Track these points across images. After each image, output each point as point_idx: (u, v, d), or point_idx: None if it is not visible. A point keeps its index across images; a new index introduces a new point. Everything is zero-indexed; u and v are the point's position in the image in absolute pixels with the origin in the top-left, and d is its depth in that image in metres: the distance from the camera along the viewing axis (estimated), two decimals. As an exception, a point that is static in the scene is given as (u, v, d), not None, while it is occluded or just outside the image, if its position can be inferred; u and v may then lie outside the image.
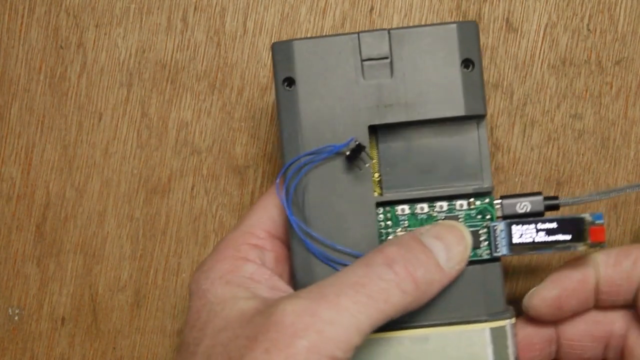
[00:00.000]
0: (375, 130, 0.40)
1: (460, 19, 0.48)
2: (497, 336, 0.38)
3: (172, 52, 0.48)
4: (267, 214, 0.40)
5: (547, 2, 0.48)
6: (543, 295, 0.40)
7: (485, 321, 0.38)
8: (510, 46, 0.48)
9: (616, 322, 0.41)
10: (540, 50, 0.48)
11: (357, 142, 0.38)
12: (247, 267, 0.39)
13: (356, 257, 0.38)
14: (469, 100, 0.39)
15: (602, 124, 0.48)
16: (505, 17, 0.48)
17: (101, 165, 0.48)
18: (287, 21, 0.48)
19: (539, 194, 0.40)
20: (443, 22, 0.42)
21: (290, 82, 0.39)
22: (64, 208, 0.49)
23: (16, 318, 0.49)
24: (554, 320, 0.41)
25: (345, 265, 0.38)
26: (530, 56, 0.48)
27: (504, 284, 0.39)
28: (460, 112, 0.39)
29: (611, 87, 0.48)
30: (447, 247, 0.37)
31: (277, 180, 0.40)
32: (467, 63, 0.39)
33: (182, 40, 0.48)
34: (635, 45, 0.48)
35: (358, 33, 0.39)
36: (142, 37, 0.48)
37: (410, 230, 0.39)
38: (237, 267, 0.39)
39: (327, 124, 0.39)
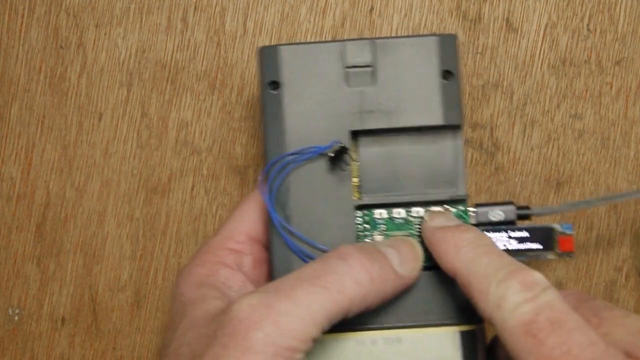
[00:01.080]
0: (356, 136, 0.41)
1: (461, 19, 0.48)
2: (467, 339, 0.39)
3: (172, 52, 0.48)
4: (248, 217, 0.41)
5: (547, 2, 0.48)
6: None
7: (456, 324, 0.39)
8: (510, 46, 0.48)
9: None
10: (540, 50, 0.48)
11: (340, 145, 0.39)
12: (223, 271, 0.40)
13: None
14: (447, 111, 0.40)
15: (602, 124, 0.48)
16: (505, 17, 0.48)
17: (101, 165, 0.48)
18: (287, 21, 0.48)
19: (511, 203, 0.41)
20: (425, 33, 0.43)
21: (275, 85, 0.40)
22: (64, 208, 0.49)
23: (16, 318, 0.49)
24: None
25: None
26: (530, 56, 0.48)
27: None
28: (438, 121, 0.40)
29: (611, 87, 0.48)
30: (400, 255, 0.38)
31: (260, 178, 0.40)
32: (446, 74, 0.40)
33: (182, 40, 0.48)
34: (635, 45, 0.48)
35: (343, 41, 0.40)
36: (142, 37, 0.48)
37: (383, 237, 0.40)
38: (214, 272, 0.39)
39: (310, 128, 0.40)
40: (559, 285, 0.48)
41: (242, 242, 0.41)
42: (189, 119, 0.48)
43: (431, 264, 0.40)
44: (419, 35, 0.41)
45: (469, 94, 0.48)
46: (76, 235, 0.49)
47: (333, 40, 0.41)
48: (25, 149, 0.49)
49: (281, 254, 0.40)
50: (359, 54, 0.40)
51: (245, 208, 0.42)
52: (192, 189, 0.48)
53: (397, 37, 0.41)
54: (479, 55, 0.48)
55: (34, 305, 0.49)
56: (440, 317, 0.39)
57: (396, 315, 0.39)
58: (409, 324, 0.39)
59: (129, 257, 0.49)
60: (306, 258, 0.40)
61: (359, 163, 0.41)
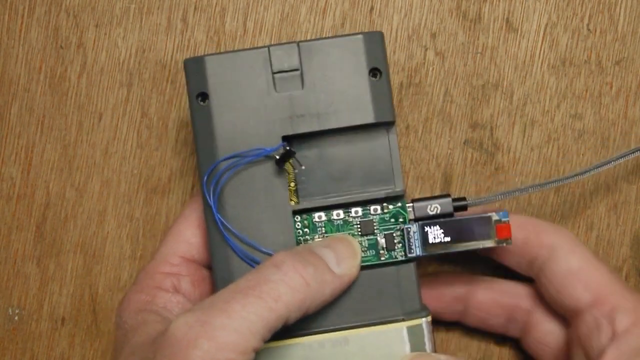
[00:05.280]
0: (289, 141, 0.41)
1: (461, 19, 0.48)
2: (414, 334, 0.40)
3: (172, 52, 0.48)
4: (181, 239, 0.42)
5: (547, 2, 0.48)
6: None
7: (402, 320, 0.40)
8: (510, 46, 0.48)
9: (523, 296, 0.44)
10: (540, 50, 0.48)
11: (287, 147, 0.39)
12: (161, 296, 0.40)
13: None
14: (378, 108, 0.40)
15: (602, 124, 0.48)
16: (505, 17, 0.48)
17: (101, 165, 0.49)
18: (287, 21, 0.48)
19: (447, 195, 0.41)
20: (349, 33, 0.43)
21: (203, 96, 0.40)
22: (64, 208, 0.49)
23: (16, 318, 0.49)
24: None
25: None
26: (530, 56, 0.48)
27: (419, 284, 0.41)
28: (370, 119, 0.40)
29: (611, 87, 0.48)
30: (336, 254, 0.38)
31: (204, 180, 0.40)
32: (374, 72, 0.40)
33: (182, 40, 0.48)
34: (635, 45, 0.48)
35: (268, 47, 0.40)
36: (142, 37, 0.48)
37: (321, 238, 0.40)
38: (152, 297, 0.40)
39: (241, 136, 0.40)
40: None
41: (177, 264, 0.41)
42: (189, 119, 0.48)
43: (372, 262, 0.40)
44: (344, 35, 0.41)
45: (469, 94, 0.48)
46: (76, 235, 0.49)
47: (259, 47, 0.40)
48: (25, 149, 0.49)
49: (223, 259, 0.40)
50: (285, 59, 0.40)
51: (177, 229, 0.42)
52: (192, 189, 0.48)
53: (322, 38, 0.41)
54: (479, 55, 0.48)
55: (34, 305, 0.49)
56: (386, 314, 0.40)
57: (341, 316, 0.40)
58: (355, 323, 0.39)
59: (129, 257, 0.49)
60: (250, 262, 0.40)
61: (294, 168, 0.41)
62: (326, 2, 0.48)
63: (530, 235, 0.42)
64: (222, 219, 0.40)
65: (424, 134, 0.48)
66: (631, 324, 0.39)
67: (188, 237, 0.42)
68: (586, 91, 0.48)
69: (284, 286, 0.36)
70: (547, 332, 0.43)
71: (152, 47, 0.48)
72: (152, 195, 0.48)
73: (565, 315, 0.43)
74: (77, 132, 0.49)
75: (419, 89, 0.48)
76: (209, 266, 0.42)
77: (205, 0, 0.48)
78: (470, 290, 0.44)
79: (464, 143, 0.48)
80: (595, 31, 0.48)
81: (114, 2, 0.48)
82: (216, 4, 0.48)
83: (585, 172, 0.42)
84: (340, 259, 0.38)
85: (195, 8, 0.48)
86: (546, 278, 0.42)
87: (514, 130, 0.48)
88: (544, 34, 0.48)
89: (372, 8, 0.48)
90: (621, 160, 0.43)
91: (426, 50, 0.48)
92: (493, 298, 0.44)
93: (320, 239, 0.40)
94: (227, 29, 0.48)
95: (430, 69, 0.48)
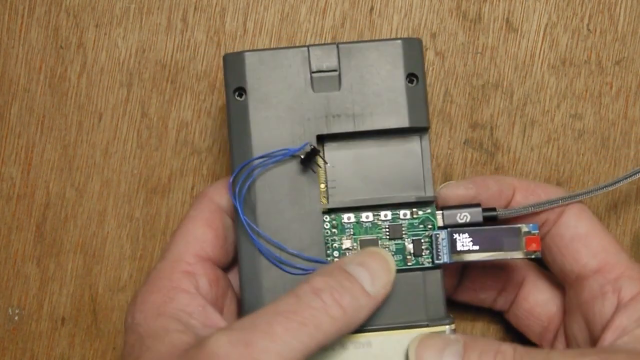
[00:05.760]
0: (323, 140, 0.41)
1: (461, 19, 0.48)
2: None
3: (172, 52, 0.48)
4: (193, 237, 0.41)
5: (547, 2, 0.48)
6: (457, 192, 0.41)
7: (426, 326, 0.39)
8: (510, 46, 0.48)
9: (516, 270, 0.44)
10: (540, 50, 0.48)
11: (312, 147, 0.40)
12: (181, 297, 0.39)
13: (304, 259, 0.40)
14: (413, 113, 0.40)
15: (602, 124, 0.48)
16: (505, 17, 0.48)
17: (101, 165, 0.48)
18: (287, 21, 0.48)
19: (478, 205, 0.41)
20: (389, 37, 0.44)
21: (241, 92, 0.41)
22: (64, 208, 0.49)
23: (16, 318, 0.49)
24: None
25: (292, 266, 0.40)
26: (530, 56, 0.48)
27: (445, 291, 0.41)
28: (405, 124, 0.40)
29: (611, 87, 0.48)
30: (371, 273, 0.38)
31: (230, 181, 0.40)
32: (411, 77, 0.41)
33: (182, 40, 0.48)
34: (635, 45, 0.48)
35: (308, 46, 0.41)
36: (142, 37, 0.48)
37: (338, 259, 0.40)
38: (171, 299, 0.39)
39: (276, 133, 0.40)
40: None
41: (193, 263, 0.40)
42: (189, 119, 0.48)
43: (399, 267, 0.40)
44: (383, 40, 0.41)
45: (469, 94, 0.48)
46: (76, 235, 0.49)
47: (298, 46, 0.41)
48: (25, 149, 0.49)
49: (250, 259, 0.40)
50: (324, 59, 0.41)
51: (187, 228, 0.41)
52: (192, 189, 0.48)
53: (361, 41, 0.41)
54: (479, 55, 0.48)
55: (34, 305, 0.49)
56: (411, 319, 0.40)
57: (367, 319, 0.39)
58: (379, 327, 0.39)
59: (129, 257, 0.49)
60: (275, 261, 0.40)
61: (326, 167, 0.41)
62: (326, 2, 0.48)
63: (541, 199, 0.42)
64: (247, 220, 0.40)
65: (424, 134, 0.48)
66: (638, 292, 0.39)
67: (199, 235, 0.41)
68: (586, 91, 0.48)
69: (325, 315, 0.36)
70: (537, 303, 0.44)
71: (152, 47, 0.48)
72: (152, 195, 0.48)
73: (564, 281, 0.43)
74: (77, 132, 0.49)
75: (419, 89, 0.48)
76: (223, 265, 0.42)
77: (205, 0, 0.48)
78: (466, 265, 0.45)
79: (464, 143, 0.48)
80: (595, 31, 0.48)
81: (114, 2, 0.48)
82: (216, 4, 0.48)
83: (622, 179, 0.43)
84: (375, 277, 0.38)
85: (195, 8, 0.48)
86: (553, 241, 0.42)
87: (514, 130, 0.48)
88: (544, 34, 0.48)
89: (372, 8, 0.48)
90: None
91: (426, 50, 0.48)
92: (488, 271, 0.45)
93: (354, 254, 0.40)
94: (227, 29, 0.48)
95: (430, 69, 0.48)
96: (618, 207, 0.48)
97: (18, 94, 0.49)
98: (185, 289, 0.39)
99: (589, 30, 0.48)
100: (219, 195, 0.42)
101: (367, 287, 0.38)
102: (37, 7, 0.48)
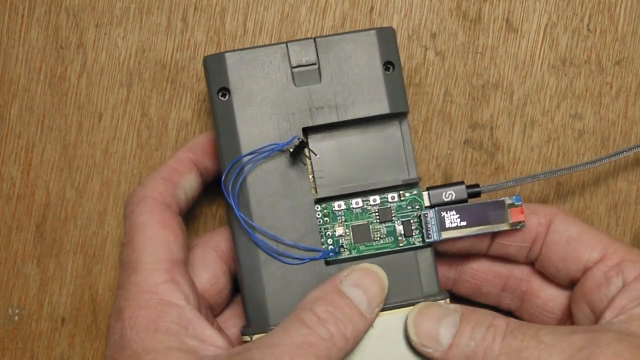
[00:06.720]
0: (306, 133, 0.42)
1: (461, 19, 0.48)
2: None
3: (172, 52, 0.48)
4: (158, 243, 0.40)
5: (547, 2, 0.48)
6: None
7: (423, 302, 0.41)
8: (510, 46, 0.48)
9: (518, 266, 0.45)
10: (540, 50, 0.48)
11: (299, 139, 0.41)
12: (172, 311, 0.39)
13: (300, 249, 0.41)
14: (392, 100, 0.42)
15: (602, 124, 0.48)
16: (505, 17, 0.48)
17: (101, 165, 0.48)
18: (287, 21, 0.48)
19: (461, 183, 0.42)
20: (363, 28, 0.44)
21: (224, 92, 0.42)
22: (64, 208, 0.49)
23: (16, 318, 0.49)
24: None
25: (290, 257, 0.41)
26: (530, 56, 0.48)
27: (437, 268, 0.42)
28: (385, 110, 0.42)
29: (611, 87, 0.48)
30: (366, 293, 0.39)
31: (222, 179, 0.41)
32: (387, 65, 0.42)
33: (182, 40, 0.48)
34: (635, 45, 0.48)
35: (286, 42, 0.42)
36: (142, 37, 0.48)
37: (330, 278, 0.40)
38: (163, 312, 0.38)
39: (263, 130, 0.41)
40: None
41: (170, 269, 0.40)
42: (189, 119, 0.48)
43: (391, 249, 0.41)
44: (358, 31, 0.42)
45: (469, 94, 0.48)
46: (76, 235, 0.49)
47: (276, 43, 0.42)
48: (25, 149, 0.49)
49: (248, 254, 0.41)
50: (302, 54, 0.42)
51: (146, 235, 0.40)
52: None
53: (337, 34, 0.42)
54: (479, 55, 0.48)
55: (34, 305, 0.49)
56: (407, 297, 0.41)
57: None
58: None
59: (129, 257, 0.49)
60: (275, 254, 0.41)
61: (312, 158, 0.42)
62: (326, 2, 0.48)
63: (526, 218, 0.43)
64: (243, 216, 0.41)
65: (424, 134, 0.48)
66: (639, 273, 0.40)
67: (162, 239, 0.40)
68: (586, 91, 0.48)
69: (334, 347, 0.37)
70: (549, 298, 0.44)
71: (152, 47, 0.48)
72: (152, 195, 0.48)
73: (569, 282, 0.43)
74: (77, 132, 0.49)
75: (419, 89, 0.48)
76: (187, 261, 0.42)
77: (205, 0, 0.48)
78: (465, 258, 0.45)
79: (464, 143, 0.48)
80: (595, 31, 0.48)
81: (114, 2, 0.48)
82: (216, 4, 0.48)
83: (603, 158, 0.44)
84: (371, 300, 0.39)
85: (195, 8, 0.48)
86: (550, 250, 0.42)
87: (514, 130, 0.48)
88: (544, 34, 0.48)
89: (372, 8, 0.48)
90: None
91: (426, 50, 0.48)
92: (488, 267, 0.45)
93: (349, 269, 0.40)
94: (227, 29, 0.48)
95: (430, 69, 0.48)
96: (618, 207, 0.48)
97: (18, 94, 0.49)
98: (174, 302, 0.39)
99: (589, 30, 0.48)
100: (157, 193, 0.42)
101: (364, 310, 0.39)
102: (37, 7, 0.48)
